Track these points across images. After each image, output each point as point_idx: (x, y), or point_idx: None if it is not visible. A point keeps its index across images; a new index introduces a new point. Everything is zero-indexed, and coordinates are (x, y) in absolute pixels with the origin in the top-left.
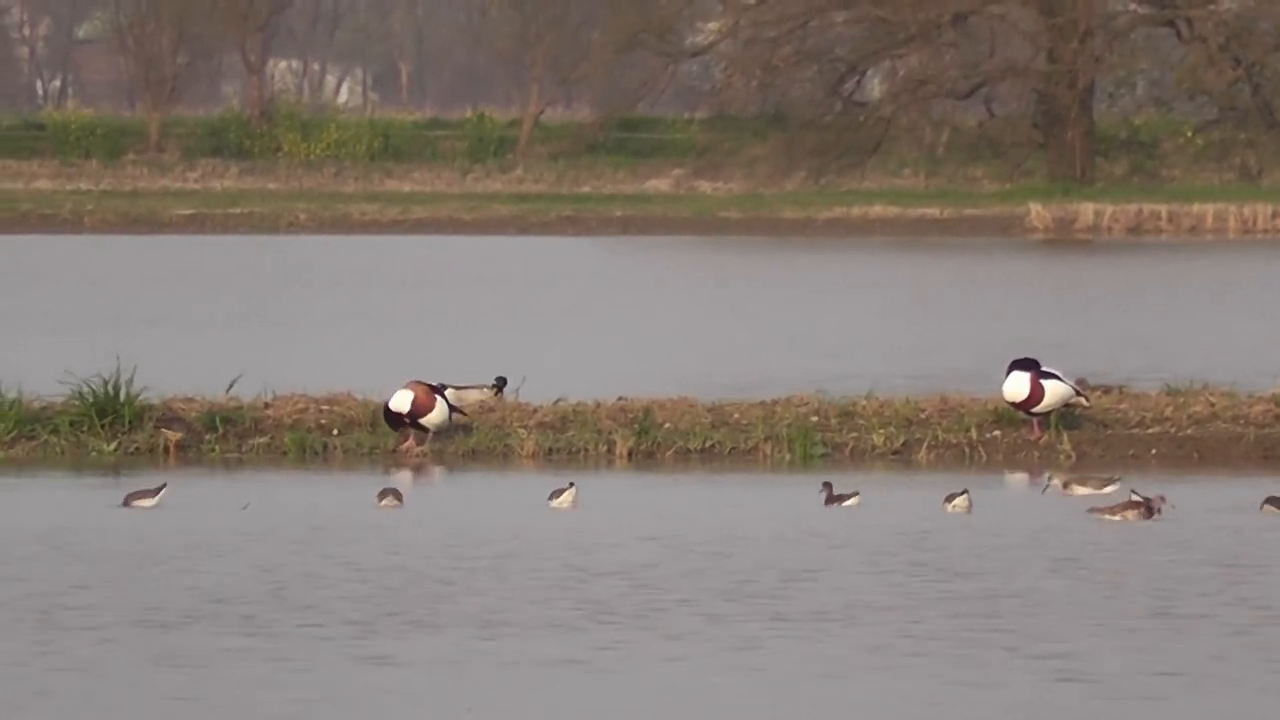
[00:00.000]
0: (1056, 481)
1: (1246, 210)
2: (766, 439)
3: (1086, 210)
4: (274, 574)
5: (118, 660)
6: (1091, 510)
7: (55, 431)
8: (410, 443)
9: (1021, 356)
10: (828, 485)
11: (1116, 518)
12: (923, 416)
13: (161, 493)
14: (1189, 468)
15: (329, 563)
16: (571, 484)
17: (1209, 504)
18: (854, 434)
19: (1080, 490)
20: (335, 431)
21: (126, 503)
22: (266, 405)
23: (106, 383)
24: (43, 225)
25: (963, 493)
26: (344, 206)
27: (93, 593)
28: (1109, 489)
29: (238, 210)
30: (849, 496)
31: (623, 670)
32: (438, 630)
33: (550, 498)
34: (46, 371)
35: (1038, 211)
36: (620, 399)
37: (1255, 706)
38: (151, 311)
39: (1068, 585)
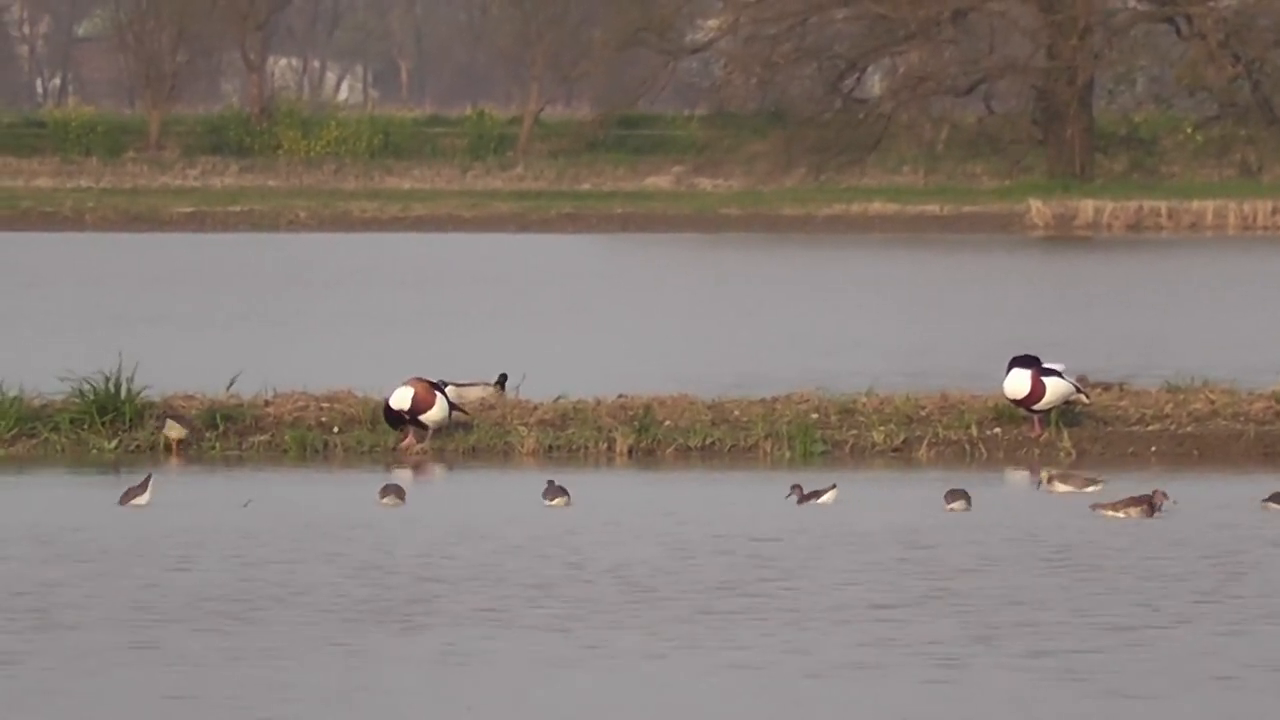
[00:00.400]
0: (1045, 476)
1: (1246, 207)
2: (767, 436)
3: (1086, 207)
4: (272, 572)
5: (113, 658)
6: (1094, 506)
7: (56, 429)
8: (410, 440)
9: (1022, 353)
10: (796, 487)
11: (1120, 514)
12: (923, 414)
13: (150, 483)
14: (1189, 465)
15: (327, 560)
16: (567, 495)
17: (1209, 501)
18: (854, 431)
19: (1063, 488)
20: (336, 429)
21: (123, 502)
22: (267, 403)
23: (107, 380)
24: (43, 223)
25: (962, 494)
26: (344, 204)
27: (89, 591)
28: (1091, 488)
29: (238, 208)
30: (824, 491)
31: (622, 668)
32: (438, 628)
33: (546, 497)
34: (47, 369)
35: (1038, 208)
36: (620, 396)
37: (1253, 705)
38: (152, 309)
39: (1064, 582)
